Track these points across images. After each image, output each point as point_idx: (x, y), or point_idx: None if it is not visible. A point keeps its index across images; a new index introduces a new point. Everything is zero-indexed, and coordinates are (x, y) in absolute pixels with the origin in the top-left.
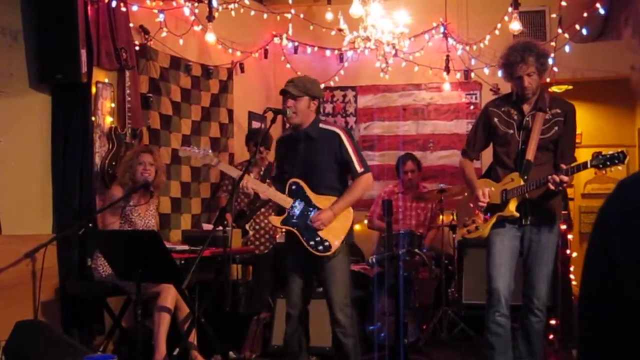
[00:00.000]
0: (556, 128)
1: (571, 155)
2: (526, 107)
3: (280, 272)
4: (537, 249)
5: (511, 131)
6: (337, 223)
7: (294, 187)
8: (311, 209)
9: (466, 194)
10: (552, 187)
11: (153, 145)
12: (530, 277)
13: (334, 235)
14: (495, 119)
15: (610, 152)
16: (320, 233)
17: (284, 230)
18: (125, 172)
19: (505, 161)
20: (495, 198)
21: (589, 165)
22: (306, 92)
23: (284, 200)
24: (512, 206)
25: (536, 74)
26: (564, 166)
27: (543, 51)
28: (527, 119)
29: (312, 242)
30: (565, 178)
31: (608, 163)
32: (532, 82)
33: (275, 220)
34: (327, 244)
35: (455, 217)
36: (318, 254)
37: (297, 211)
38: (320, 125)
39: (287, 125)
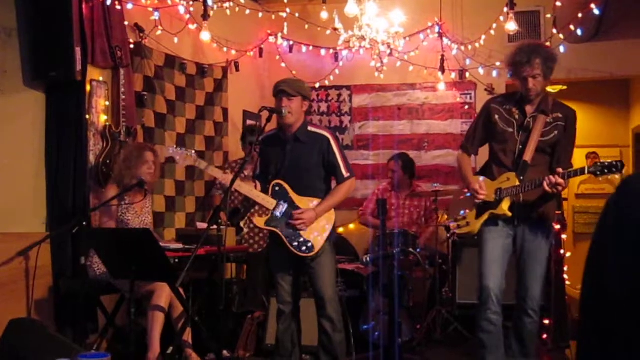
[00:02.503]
0: (556, 132)
1: (568, 161)
2: (529, 109)
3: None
4: (530, 249)
5: (510, 130)
6: (319, 224)
7: (277, 188)
8: (294, 210)
9: (459, 195)
10: (547, 188)
11: (147, 144)
12: (523, 277)
13: (316, 236)
14: (496, 116)
15: (609, 161)
16: (302, 234)
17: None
18: (125, 170)
19: (502, 159)
20: (489, 196)
21: (586, 172)
22: (299, 92)
23: (267, 201)
24: (505, 205)
25: (542, 77)
26: (561, 170)
27: (551, 55)
28: (529, 120)
29: (295, 244)
30: (561, 181)
31: (606, 171)
32: (536, 84)
33: (259, 221)
34: (310, 244)
35: (446, 215)
36: (301, 254)
37: (280, 212)
38: (309, 128)
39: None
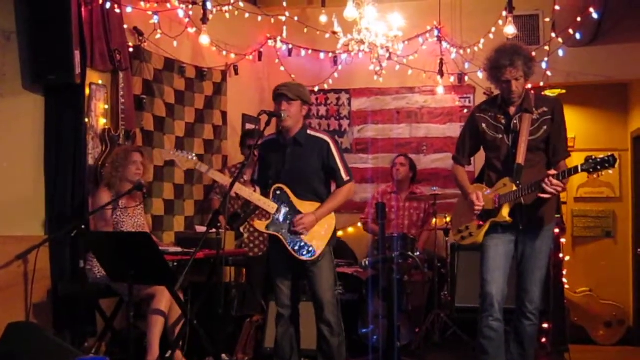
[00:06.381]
0: (545, 127)
1: (564, 150)
2: (512, 110)
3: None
4: (530, 252)
5: (500, 136)
6: (320, 228)
7: (278, 192)
8: (295, 214)
9: (461, 204)
10: (544, 196)
11: (145, 147)
12: (523, 280)
13: (317, 240)
14: (483, 125)
15: (601, 156)
16: (303, 238)
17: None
18: (114, 171)
19: (497, 166)
20: (488, 204)
21: (579, 170)
22: (299, 96)
23: (268, 205)
24: (505, 211)
25: (523, 78)
26: (554, 172)
27: (530, 55)
28: (515, 121)
29: (295, 247)
30: (558, 182)
31: (599, 167)
32: (519, 86)
33: (260, 224)
34: (311, 249)
35: (448, 220)
36: (302, 258)
37: (281, 216)
38: (309, 132)
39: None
